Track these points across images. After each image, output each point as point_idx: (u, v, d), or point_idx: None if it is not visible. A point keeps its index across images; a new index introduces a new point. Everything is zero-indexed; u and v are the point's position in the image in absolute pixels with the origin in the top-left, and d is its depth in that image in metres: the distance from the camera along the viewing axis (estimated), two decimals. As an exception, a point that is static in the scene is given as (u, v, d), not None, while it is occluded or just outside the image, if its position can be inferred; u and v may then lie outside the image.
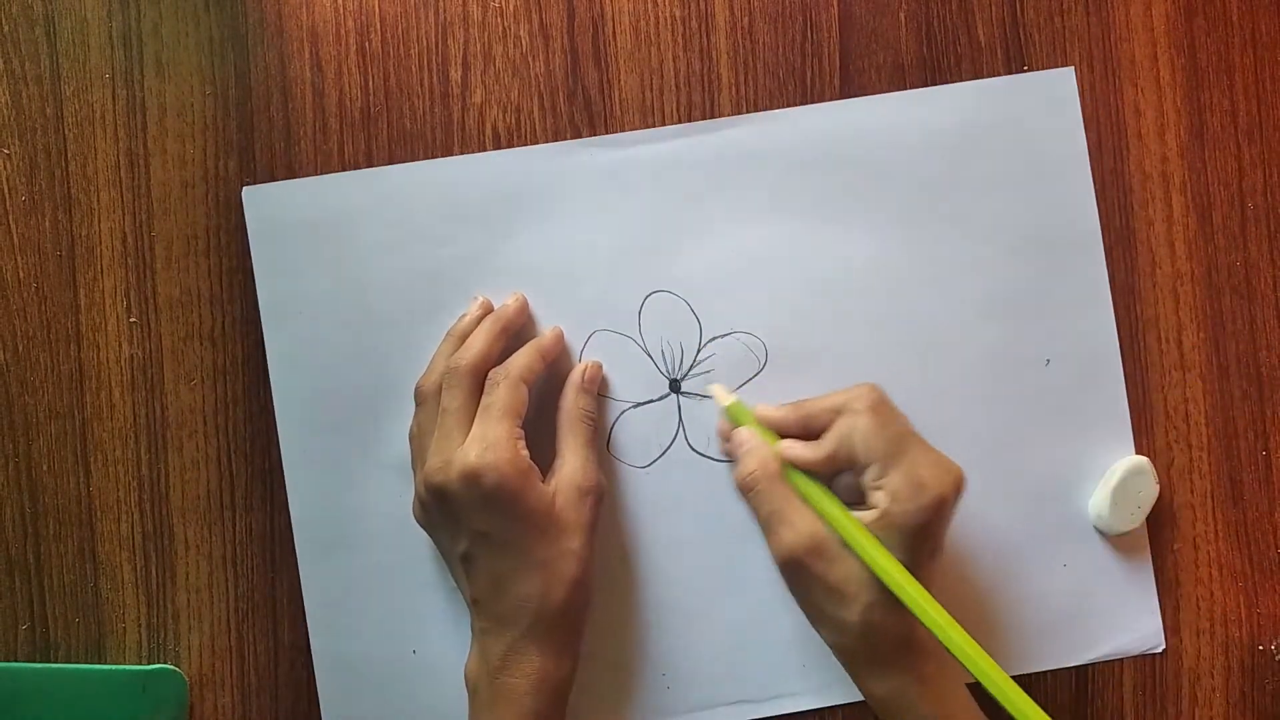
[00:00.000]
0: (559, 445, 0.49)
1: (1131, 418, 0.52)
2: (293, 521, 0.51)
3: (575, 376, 0.50)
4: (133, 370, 0.52)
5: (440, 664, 0.51)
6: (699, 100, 0.52)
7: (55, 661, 0.51)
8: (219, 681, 0.52)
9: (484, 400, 0.47)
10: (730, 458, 0.50)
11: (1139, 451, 0.52)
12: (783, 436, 0.48)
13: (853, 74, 0.52)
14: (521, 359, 0.49)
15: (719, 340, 0.51)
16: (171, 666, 0.51)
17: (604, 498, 0.49)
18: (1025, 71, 0.52)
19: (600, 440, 0.51)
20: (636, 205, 0.51)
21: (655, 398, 0.51)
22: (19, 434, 0.52)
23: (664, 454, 0.51)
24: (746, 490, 0.47)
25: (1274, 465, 0.52)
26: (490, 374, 0.48)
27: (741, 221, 0.51)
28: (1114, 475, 0.50)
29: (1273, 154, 0.52)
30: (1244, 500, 0.52)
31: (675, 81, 0.52)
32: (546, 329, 0.51)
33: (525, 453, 0.46)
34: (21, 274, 0.52)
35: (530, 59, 0.52)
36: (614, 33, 0.52)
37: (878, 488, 0.44)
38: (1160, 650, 0.52)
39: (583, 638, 0.48)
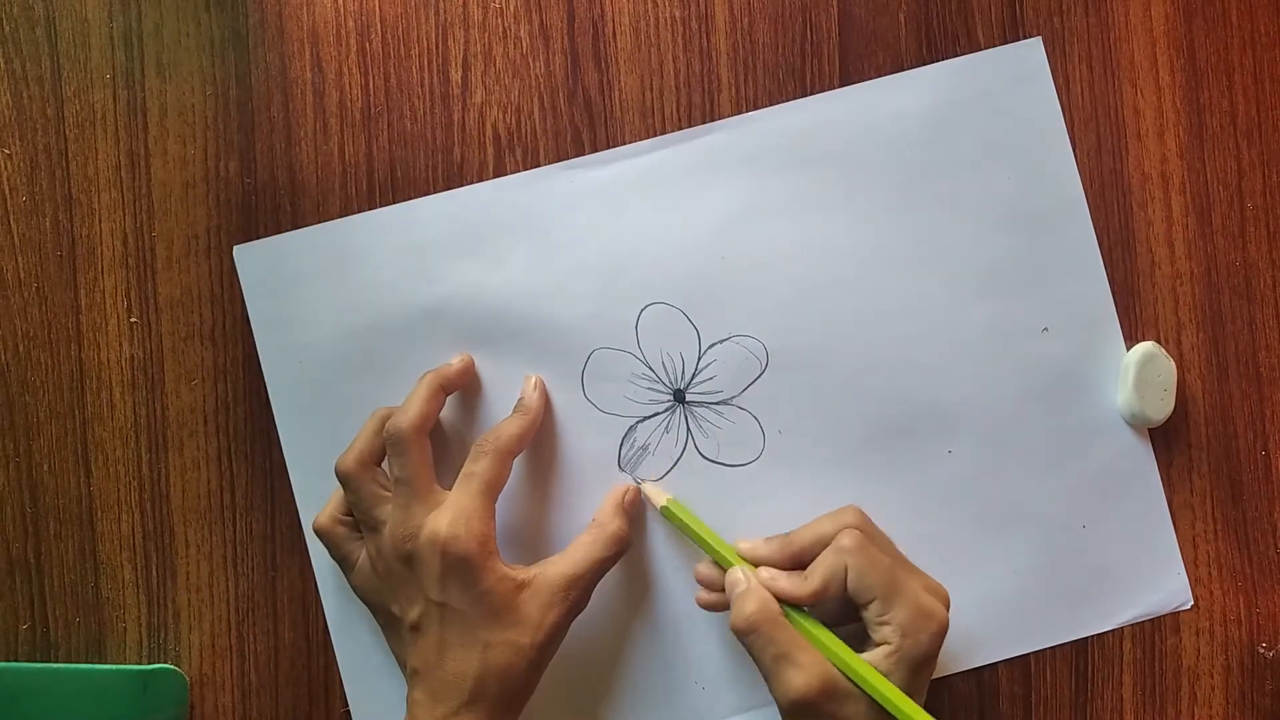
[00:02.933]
0: (577, 540, 0.49)
1: (1131, 418, 0.52)
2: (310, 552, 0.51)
3: (618, 494, 0.50)
4: (133, 370, 0.52)
5: None
6: (699, 101, 0.52)
7: (56, 661, 0.52)
8: (219, 681, 0.52)
9: (468, 468, 0.47)
10: (707, 603, 0.49)
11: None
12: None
13: (852, 75, 0.52)
14: (513, 429, 0.49)
15: (718, 346, 0.51)
16: (172, 666, 0.51)
17: (583, 602, 0.48)
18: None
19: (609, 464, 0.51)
20: (622, 221, 0.52)
21: (660, 410, 0.51)
22: (20, 434, 0.52)
23: (675, 465, 0.51)
24: (748, 633, 0.45)
25: (1273, 465, 0.52)
26: (480, 441, 0.48)
27: (727, 226, 0.51)
28: (1129, 370, 0.50)
29: (1272, 154, 0.52)
30: (1243, 500, 0.52)
31: (675, 82, 0.52)
32: (531, 376, 0.51)
33: (494, 532, 0.47)
34: (22, 274, 0.52)
35: (530, 60, 0.52)
36: (614, 33, 0.52)
37: (883, 623, 0.44)
38: (1189, 606, 0.51)
39: (520, 712, 0.47)
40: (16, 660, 0.51)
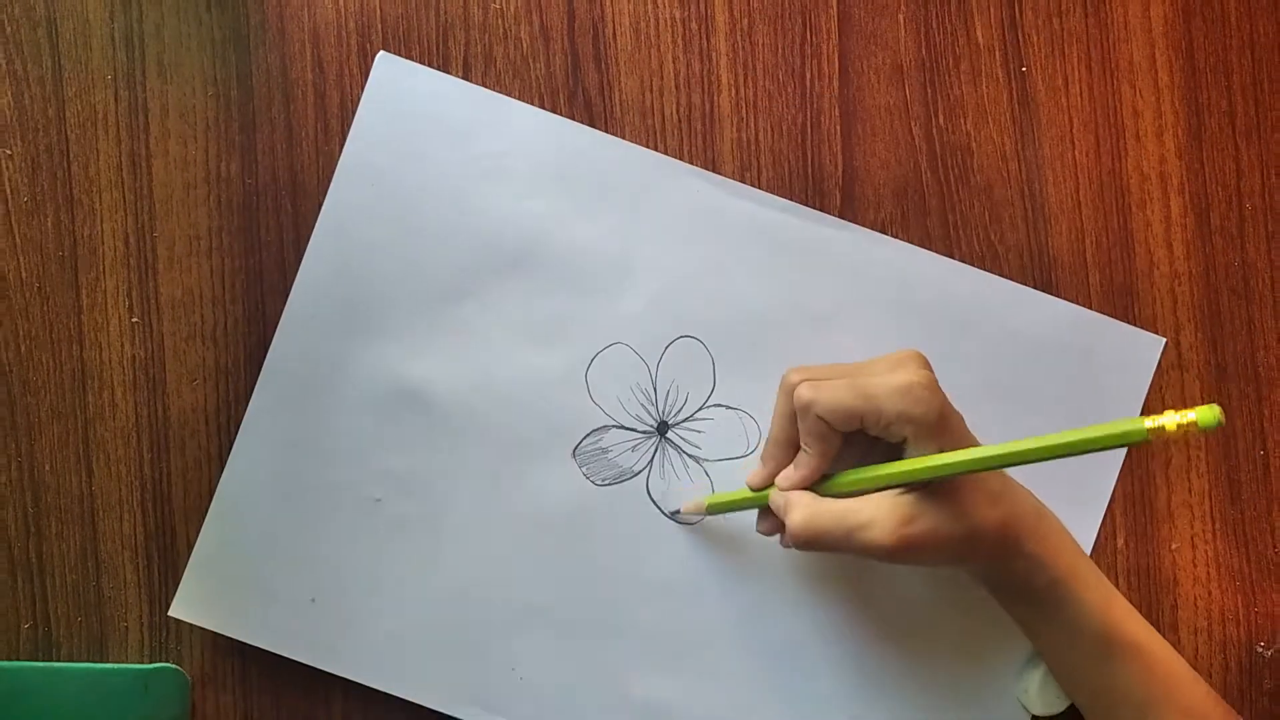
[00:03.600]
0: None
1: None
2: (258, 384, 0.51)
3: None
4: (135, 370, 0.52)
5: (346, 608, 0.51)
6: (699, 102, 0.52)
7: (58, 660, 0.52)
8: (220, 680, 0.52)
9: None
10: (773, 529, 0.48)
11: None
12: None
13: (852, 76, 0.52)
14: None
15: (724, 410, 0.51)
16: (173, 665, 0.52)
17: None
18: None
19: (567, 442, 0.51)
20: (718, 251, 0.51)
21: (639, 430, 0.51)
22: (21, 434, 0.52)
23: (620, 483, 0.51)
24: (812, 541, 0.44)
25: (1272, 465, 0.52)
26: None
27: (809, 321, 0.51)
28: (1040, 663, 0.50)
29: (1270, 155, 0.53)
30: (1242, 500, 0.52)
31: (675, 83, 0.52)
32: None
33: None
34: (24, 274, 0.52)
35: (531, 60, 0.52)
36: (614, 34, 0.52)
37: (880, 424, 0.44)
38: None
39: None
40: (18, 659, 0.52)
